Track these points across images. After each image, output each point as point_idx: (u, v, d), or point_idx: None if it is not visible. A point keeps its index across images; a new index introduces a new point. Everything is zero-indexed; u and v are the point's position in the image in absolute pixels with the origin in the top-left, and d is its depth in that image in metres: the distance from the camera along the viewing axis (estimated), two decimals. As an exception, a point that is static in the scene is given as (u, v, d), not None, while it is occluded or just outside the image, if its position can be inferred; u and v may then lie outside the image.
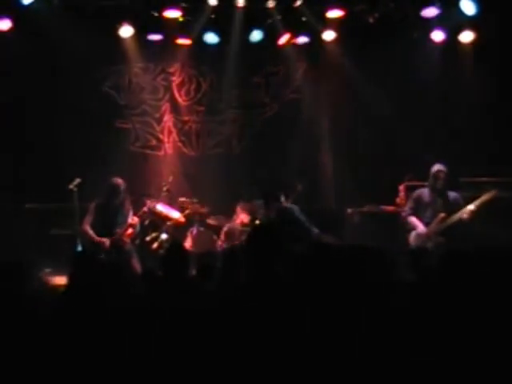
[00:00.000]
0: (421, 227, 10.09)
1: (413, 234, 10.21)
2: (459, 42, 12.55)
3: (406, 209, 10.41)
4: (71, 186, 11.31)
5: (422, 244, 9.83)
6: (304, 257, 4.81)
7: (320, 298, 4.36)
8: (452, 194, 10.16)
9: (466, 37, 12.43)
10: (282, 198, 11.80)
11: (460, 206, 10.06)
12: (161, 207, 11.87)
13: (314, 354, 4.06)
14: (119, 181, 10.79)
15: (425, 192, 10.26)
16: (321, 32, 12.73)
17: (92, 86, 13.06)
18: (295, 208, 10.24)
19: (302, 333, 4.11)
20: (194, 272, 6.82)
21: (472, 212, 9.98)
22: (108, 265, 6.35)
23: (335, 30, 12.66)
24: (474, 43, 12.45)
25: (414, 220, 10.20)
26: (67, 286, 5.93)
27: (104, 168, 12.90)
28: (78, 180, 11.35)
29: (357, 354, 4.08)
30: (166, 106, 13.41)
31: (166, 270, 5.90)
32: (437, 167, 10.13)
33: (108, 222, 10.65)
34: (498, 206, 11.20)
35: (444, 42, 12.52)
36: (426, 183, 10.40)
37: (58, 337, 4.82)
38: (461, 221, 9.99)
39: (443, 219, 9.99)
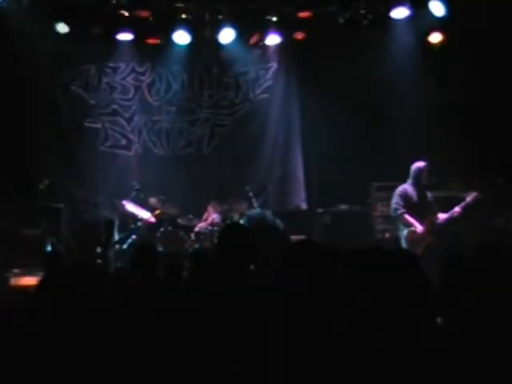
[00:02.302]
0: (419, 227, 10.03)
1: (407, 232, 10.12)
2: (428, 43, 12.64)
3: (397, 207, 10.22)
4: (41, 186, 11.27)
5: (416, 244, 9.80)
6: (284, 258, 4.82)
7: (289, 299, 4.37)
8: (429, 193, 10.20)
9: (435, 38, 12.52)
10: (252, 198, 11.88)
11: (435, 206, 10.11)
12: (131, 207, 11.84)
13: (282, 356, 4.07)
14: None
15: (409, 189, 10.20)
16: (291, 32, 12.77)
17: (61, 85, 13.01)
18: (268, 214, 10.27)
19: (273, 334, 4.11)
20: (162, 272, 6.80)
21: (459, 214, 10.03)
22: (79, 265, 6.30)
23: (306, 30, 12.70)
24: (443, 44, 12.54)
25: (410, 218, 10.09)
26: (38, 287, 5.90)
27: (73, 168, 12.89)
28: (47, 180, 11.31)
29: (333, 358, 4.09)
30: (136, 106, 13.36)
31: (134, 269, 5.89)
32: (422, 163, 10.13)
33: None
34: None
35: (414, 43, 12.59)
36: (408, 181, 10.36)
37: (28, 339, 4.79)
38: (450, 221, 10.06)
39: (434, 219, 10.00)
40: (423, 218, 10.05)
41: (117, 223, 11.45)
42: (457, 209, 10.07)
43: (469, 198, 10.18)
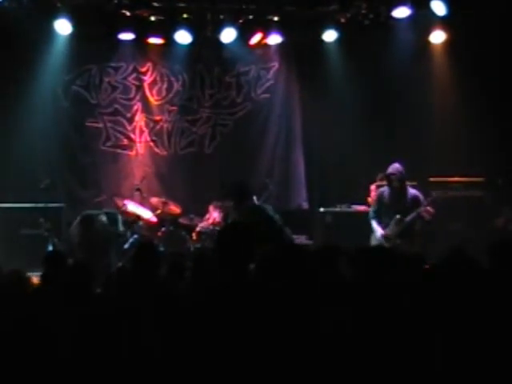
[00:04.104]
0: (379, 231, 10.07)
1: (372, 238, 10.19)
2: (430, 43, 12.64)
3: (371, 211, 10.37)
4: (42, 186, 11.28)
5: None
6: (274, 258, 4.82)
7: (292, 298, 4.37)
8: (412, 192, 10.09)
9: (437, 37, 12.52)
10: (254, 198, 11.87)
11: (418, 203, 10.01)
12: (132, 207, 11.84)
13: (283, 354, 4.06)
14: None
15: (385, 192, 10.21)
16: (292, 32, 12.78)
17: (63, 85, 13.00)
18: (268, 207, 10.21)
19: (271, 333, 4.11)
20: (164, 272, 6.79)
21: (430, 212, 9.98)
22: (79, 265, 6.31)
23: (308, 30, 12.73)
24: (445, 43, 12.54)
25: (374, 224, 10.15)
26: (39, 286, 5.92)
27: (75, 168, 12.89)
28: (48, 180, 11.33)
29: (332, 354, 4.09)
30: (137, 106, 13.34)
31: (136, 268, 5.88)
32: (389, 169, 10.07)
33: None
34: (466, 205, 11.35)
35: (415, 42, 12.58)
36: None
37: (28, 337, 4.79)
38: (420, 220, 9.97)
39: (400, 221, 9.95)
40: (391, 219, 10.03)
41: (120, 218, 11.36)
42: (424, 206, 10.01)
43: (435, 194, 10.18)
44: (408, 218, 9.87)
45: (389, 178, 10.04)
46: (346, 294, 4.60)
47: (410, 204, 9.97)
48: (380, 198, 10.24)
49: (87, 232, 10.43)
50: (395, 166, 10.00)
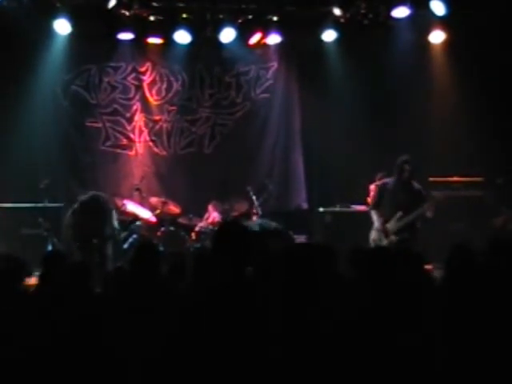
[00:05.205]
0: (377, 224, 10.05)
1: (372, 231, 10.17)
2: (430, 42, 12.65)
3: (372, 203, 10.36)
4: (42, 186, 11.28)
5: (379, 241, 9.81)
6: (275, 257, 4.81)
7: (289, 297, 4.36)
8: (416, 186, 10.08)
9: (437, 37, 12.52)
10: (253, 197, 11.89)
11: (422, 198, 9.98)
12: (132, 207, 11.84)
13: (283, 354, 4.06)
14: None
15: (389, 183, 10.17)
16: (292, 32, 12.77)
17: (62, 85, 12.99)
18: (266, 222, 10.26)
19: (269, 333, 4.10)
20: (165, 271, 6.79)
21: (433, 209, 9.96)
22: (79, 265, 6.30)
23: (307, 30, 12.73)
24: (444, 43, 12.55)
25: (373, 215, 10.14)
26: (38, 286, 5.91)
27: (74, 167, 12.89)
28: (48, 180, 11.33)
29: (332, 353, 4.09)
30: (137, 106, 13.33)
31: (136, 268, 5.87)
32: (403, 158, 10.03)
33: None
34: (466, 205, 11.35)
35: (415, 42, 12.58)
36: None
37: (27, 337, 4.79)
38: (423, 217, 9.95)
39: (401, 218, 9.93)
40: (395, 212, 9.98)
41: (115, 215, 11.33)
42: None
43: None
44: (410, 216, 9.86)
45: (402, 166, 9.96)
46: (346, 293, 4.60)
47: (414, 198, 9.95)
48: (382, 189, 10.21)
49: (81, 214, 10.41)
50: (406, 157, 9.99)
